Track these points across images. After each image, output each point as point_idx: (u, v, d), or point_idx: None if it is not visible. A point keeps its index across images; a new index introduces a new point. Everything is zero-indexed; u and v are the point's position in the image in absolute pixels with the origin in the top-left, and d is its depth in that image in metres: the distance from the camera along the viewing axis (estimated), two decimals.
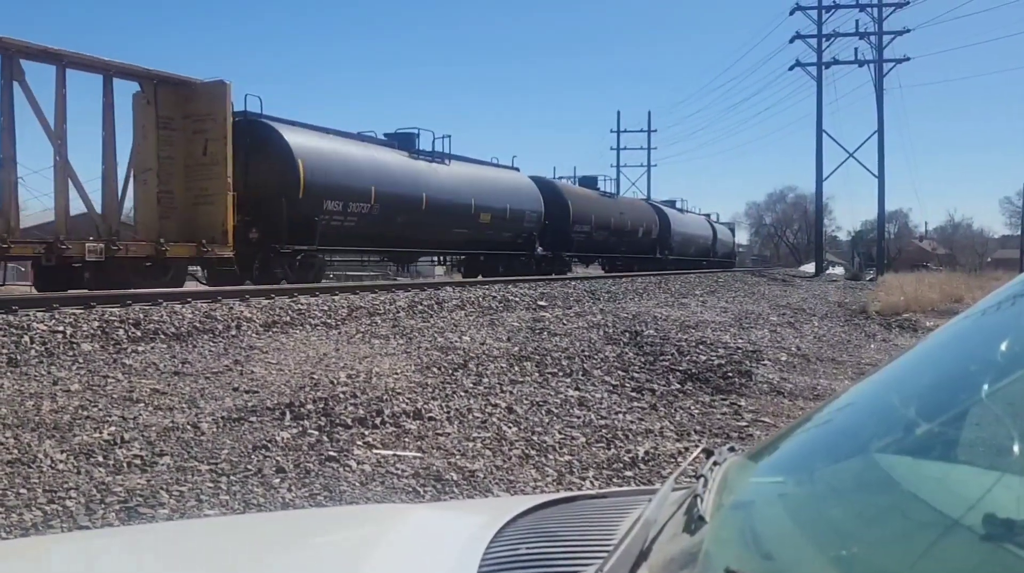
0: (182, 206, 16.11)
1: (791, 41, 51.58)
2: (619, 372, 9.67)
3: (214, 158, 15.97)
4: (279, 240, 17.49)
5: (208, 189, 16.01)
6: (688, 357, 10.76)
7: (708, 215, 57.86)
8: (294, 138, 17.98)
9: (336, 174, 18.81)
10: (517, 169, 29.31)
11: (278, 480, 5.26)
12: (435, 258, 29.05)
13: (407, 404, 7.20)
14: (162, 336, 10.11)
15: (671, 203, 48.15)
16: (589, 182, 35.81)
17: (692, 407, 8.14)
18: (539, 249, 28.40)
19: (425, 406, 7.19)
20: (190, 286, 16.24)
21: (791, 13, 50.75)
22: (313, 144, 18.68)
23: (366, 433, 6.36)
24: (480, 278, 23.96)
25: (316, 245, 18.53)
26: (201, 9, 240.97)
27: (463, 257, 27.80)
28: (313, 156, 18.25)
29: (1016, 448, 0.98)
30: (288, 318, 12.04)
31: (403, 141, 22.75)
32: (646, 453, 6.24)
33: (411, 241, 22.56)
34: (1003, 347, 1.16)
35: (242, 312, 11.80)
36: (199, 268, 17.50)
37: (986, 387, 1.10)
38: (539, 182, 29.74)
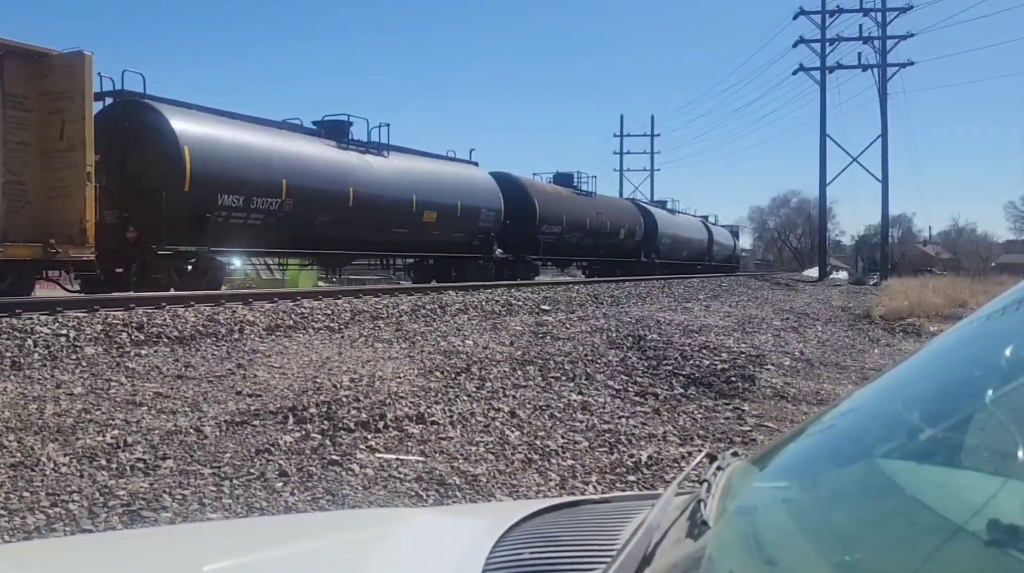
0: (37, 199, 13.62)
1: (795, 45, 51.54)
2: (622, 376, 9.67)
3: (71, 143, 13.50)
4: (158, 239, 15.07)
5: (65, 179, 13.56)
6: (691, 361, 10.75)
7: (707, 218, 56.49)
8: (180, 122, 15.76)
9: (234, 164, 16.46)
10: (475, 163, 26.59)
11: (281, 484, 5.26)
12: (375, 261, 24.98)
13: (410, 408, 7.20)
14: (165, 339, 10.11)
15: (661, 204, 46.25)
16: (564, 179, 32.83)
17: (695, 412, 8.13)
18: (498, 251, 25.78)
19: (428, 410, 7.19)
20: (186, 290, 15.52)
21: (795, 17, 50.72)
22: (205, 130, 16.36)
23: (369, 437, 6.36)
24: (434, 283, 22.19)
25: (209, 246, 16.18)
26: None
27: (411, 261, 25.35)
28: (204, 143, 15.98)
29: (1020, 454, 0.98)
30: (291, 322, 12.05)
31: (332, 130, 20.31)
32: (649, 458, 6.24)
33: (338, 242, 19.91)
34: (1007, 352, 1.16)
35: (245, 315, 11.80)
36: (64, 273, 14.75)
37: (990, 392, 1.10)
38: (500, 178, 27.13)
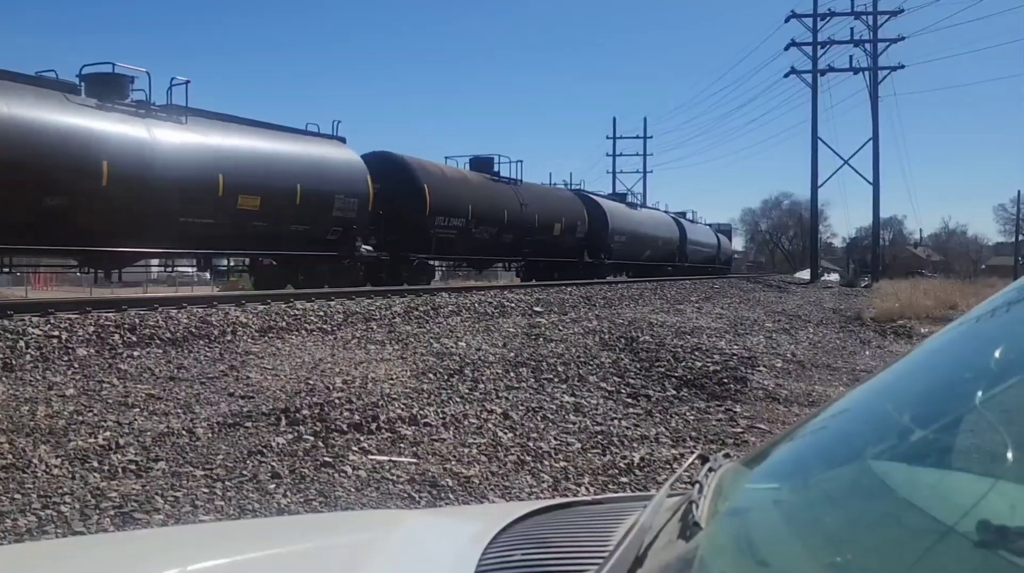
0: None
1: (786, 48, 51.65)
2: (615, 378, 9.67)
3: None
4: None
5: None
6: (684, 363, 10.77)
7: (685, 214, 52.75)
8: None
9: None
10: (340, 139, 20.98)
11: (273, 485, 5.26)
12: (163, 261, 18.48)
13: (403, 410, 7.20)
14: (157, 341, 10.09)
15: (620, 196, 41.27)
16: (482, 164, 27.72)
17: (687, 413, 8.14)
18: (364, 248, 20.62)
19: (421, 412, 7.18)
20: (183, 291, 15.51)
21: (786, 20, 50.86)
22: None
23: (362, 439, 6.35)
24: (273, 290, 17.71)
25: None
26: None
27: (242, 261, 20.65)
28: None
29: (1010, 455, 0.98)
30: (284, 323, 12.03)
31: (96, 84, 14.99)
32: (641, 459, 6.24)
33: (96, 235, 14.45)
34: (997, 354, 1.17)
35: (238, 317, 11.78)
36: None
37: (980, 394, 1.11)
38: (377, 158, 22.41)
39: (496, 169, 28.05)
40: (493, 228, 26.06)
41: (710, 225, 60.89)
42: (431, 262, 24.65)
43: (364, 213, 20.50)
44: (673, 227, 45.52)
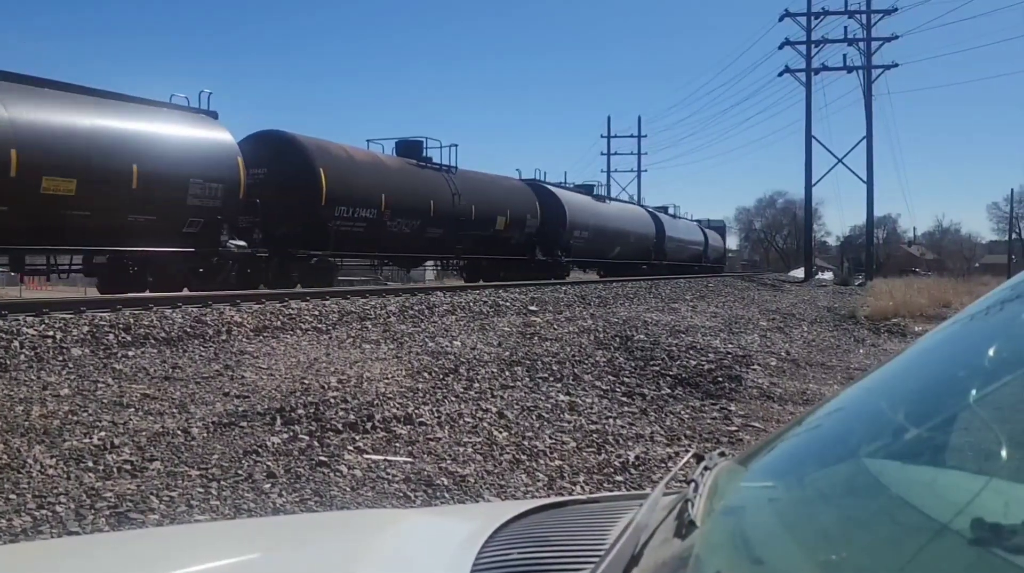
0: None
1: (780, 47, 51.71)
2: (610, 377, 9.68)
3: None
4: None
5: None
6: (678, 362, 10.78)
7: (667, 208, 49.83)
8: None
9: None
10: (212, 114, 17.62)
11: (269, 485, 5.26)
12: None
13: (398, 409, 7.20)
14: (152, 341, 10.07)
15: (586, 188, 36.77)
16: (409, 148, 24.18)
17: (682, 412, 8.15)
18: (233, 244, 17.32)
19: (416, 411, 7.18)
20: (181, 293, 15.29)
21: (780, 19, 50.86)
22: None
23: (357, 438, 6.35)
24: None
25: None
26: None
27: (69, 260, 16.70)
28: None
29: (1004, 452, 0.99)
30: (279, 323, 12.02)
31: None
32: (636, 458, 6.25)
33: None
34: (991, 352, 1.17)
35: (232, 317, 11.77)
36: None
37: (974, 392, 1.11)
38: (261, 138, 19.44)
39: (425, 154, 24.40)
40: (415, 221, 22.41)
41: (700, 221, 58.63)
42: (332, 259, 20.74)
43: (233, 202, 17.02)
44: (648, 222, 41.72)
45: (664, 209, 49.49)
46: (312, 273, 19.72)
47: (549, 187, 31.76)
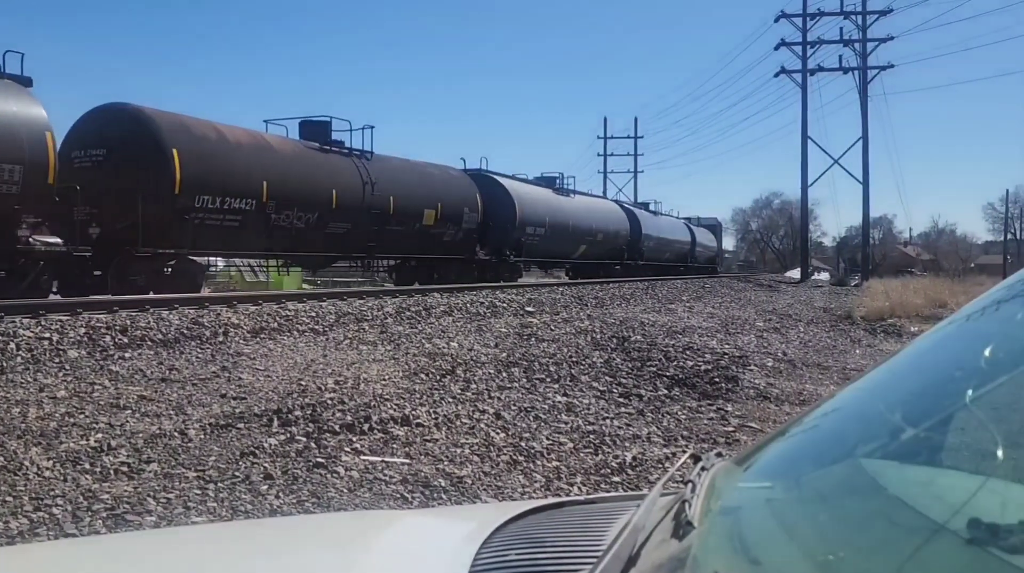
0: None
1: (776, 48, 51.79)
2: (606, 378, 9.68)
3: None
4: None
5: None
6: (675, 362, 10.78)
7: (648, 205, 46.71)
8: None
9: None
10: (24, 81, 14.19)
11: (266, 487, 5.25)
12: None
13: (395, 410, 7.19)
14: (149, 342, 10.06)
15: (548, 181, 32.77)
16: (314, 130, 20.77)
17: (679, 412, 8.15)
18: (40, 241, 13.85)
19: (413, 412, 7.18)
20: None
21: (776, 20, 50.97)
22: None
23: (354, 439, 6.35)
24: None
25: None
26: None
27: None
28: None
29: (1000, 453, 0.99)
30: (276, 324, 12.01)
31: None
32: (634, 458, 6.25)
33: None
34: (987, 352, 1.18)
35: (229, 318, 11.76)
36: None
37: (970, 392, 1.11)
38: (100, 112, 16.54)
39: (329, 136, 20.92)
40: (311, 214, 19.03)
41: (689, 219, 56.11)
42: (193, 258, 17.36)
43: (38, 188, 13.56)
44: (621, 218, 37.92)
45: (645, 205, 46.83)
46: (163, 276, 16.39)
47: (496, 177, 27.68)
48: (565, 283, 27.74)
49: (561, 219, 30.72)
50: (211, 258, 21.66)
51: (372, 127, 21.89)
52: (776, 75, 52.78)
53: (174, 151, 15.75)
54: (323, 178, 19.59)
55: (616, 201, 41.78)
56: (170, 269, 16.56)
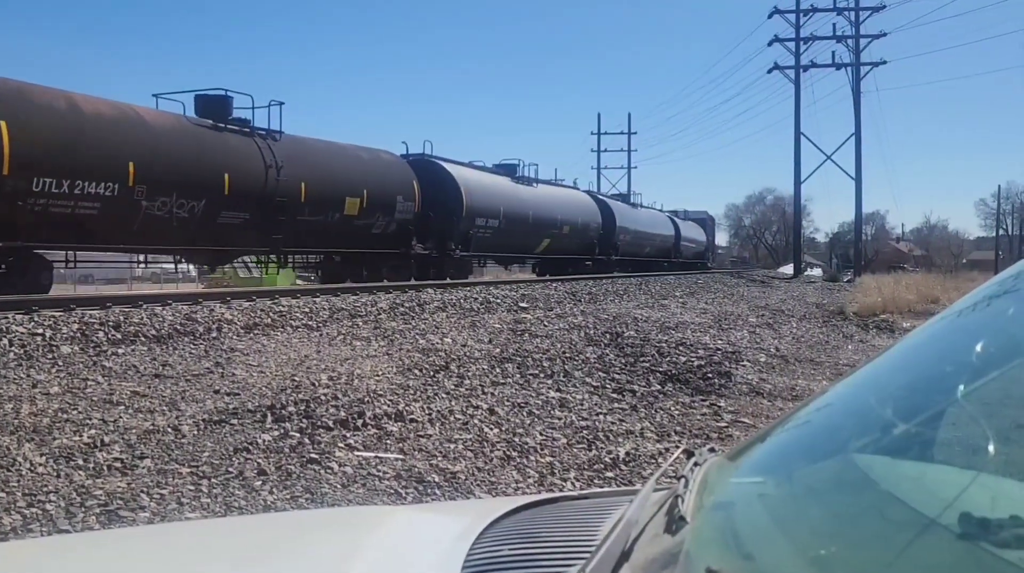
0: None
1: (769, 44, 51.79)
2: (600, 373, 9.69)
3: None
4: None
5: None
6: (668, 358, 10.79)
7: (627, 196, 44.39)
8: None
9: None
10: None
11: (260, 482, 5.25)
12: None
13: (389, 406, 7.19)
14: (142, 338, 10.05)
15: (509, 169, 29.21)
16: (211, 107, 17.62)
17: (672, 408, 8.16)
18: None
19: (407, 408, 7.18)
20: (170, 288, 15.09)
21: (769, 16, 51.00)
22: None
23: (348, 435, 6.35)
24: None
25: None
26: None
27: None
28: None
29: (991, 448, 1.00)
30: (269, 320, 12.00)
31: None
32: (627, 454, 6.26)
33: None
34: (978, 348, 1.18)
35: (223, 314, 11.74)
36: None
37: (962, 388, 1.12)
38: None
39: (228, 114, 17.81)
40: (196, 201, 16.22)
41: (676, 212, 53.41)
42: (39, 253, 14.62)
43: None
44: (592, 211, 34.59)
45: (625, 197, 44.23)
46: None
47: (440, 163, 24.54)
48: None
49: (520, 210, 27.44)
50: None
51: (281, 103, 18.78)
52: (769, 71, 52.88)
53: (2, 123, 12.90)
54: (213, 159, 16.66)
55: (588, 192, 37.51)
56: (5, 267, 13.71)
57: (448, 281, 21.64)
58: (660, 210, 49.12)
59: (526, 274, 34.03)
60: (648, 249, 42.29)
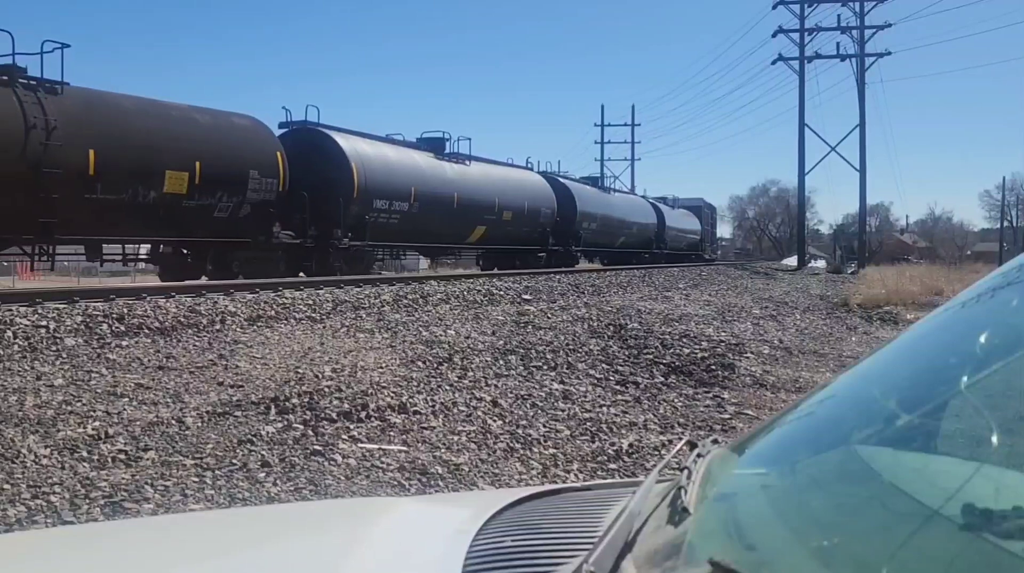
0: None
1: (774, 35, 51.61)
2: (603, 365, 9.69)
3: None
4: None
5: None
6: (672, 350, 10.79)
7: (598, 181, 38.35)
8: None
9: None
10: None
11: (263, 474, 5.26)
12: None
13: (392, 398, 7.20)
14: (146, 330, 10.06)
15: (435, 143, 24.53)
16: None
17: (676, 400, 8.17)
18: None
19: (410, 400, 7.19)
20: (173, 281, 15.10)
21: (774, 7, 50.82)
22: None
23: (351, 427, 6.36)
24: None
25: None
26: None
27: None
28: None
29: (994, 439, 0.99)
30: (273, 312, 12.00)
31: None
32: (630, 446, 6.27)
33: None
34: (982, 339, 1.18)
35: (226, 306, 11.75)
36: None
37: (965, 379, 1.12)
38: None
39: (19, 63, 13.60)
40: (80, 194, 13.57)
41: (664, 199, 48.33)
42: None
43: None
44: (545, 195, 29.41)
45: (594, 180, 38.36)
46: None
47: (326, 132, 20.10)
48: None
49: (442, 191, 22.89)
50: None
51: (64, 46, 14.14)
52: (773, 62, 52.69)
53: None
54: (128, 144, 14.19)
55: (544, 173, 31.29)
56: None
57: (356, 278, 17.43)
58: (642, 196, 45.20)
59: (470, 268, 30.40)
60: (622, 239, 37.07)
